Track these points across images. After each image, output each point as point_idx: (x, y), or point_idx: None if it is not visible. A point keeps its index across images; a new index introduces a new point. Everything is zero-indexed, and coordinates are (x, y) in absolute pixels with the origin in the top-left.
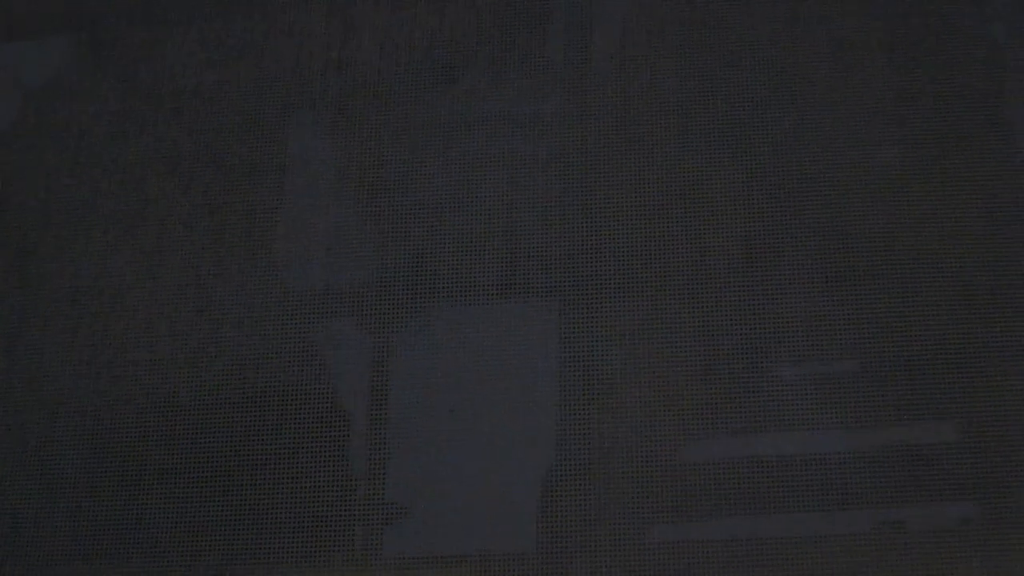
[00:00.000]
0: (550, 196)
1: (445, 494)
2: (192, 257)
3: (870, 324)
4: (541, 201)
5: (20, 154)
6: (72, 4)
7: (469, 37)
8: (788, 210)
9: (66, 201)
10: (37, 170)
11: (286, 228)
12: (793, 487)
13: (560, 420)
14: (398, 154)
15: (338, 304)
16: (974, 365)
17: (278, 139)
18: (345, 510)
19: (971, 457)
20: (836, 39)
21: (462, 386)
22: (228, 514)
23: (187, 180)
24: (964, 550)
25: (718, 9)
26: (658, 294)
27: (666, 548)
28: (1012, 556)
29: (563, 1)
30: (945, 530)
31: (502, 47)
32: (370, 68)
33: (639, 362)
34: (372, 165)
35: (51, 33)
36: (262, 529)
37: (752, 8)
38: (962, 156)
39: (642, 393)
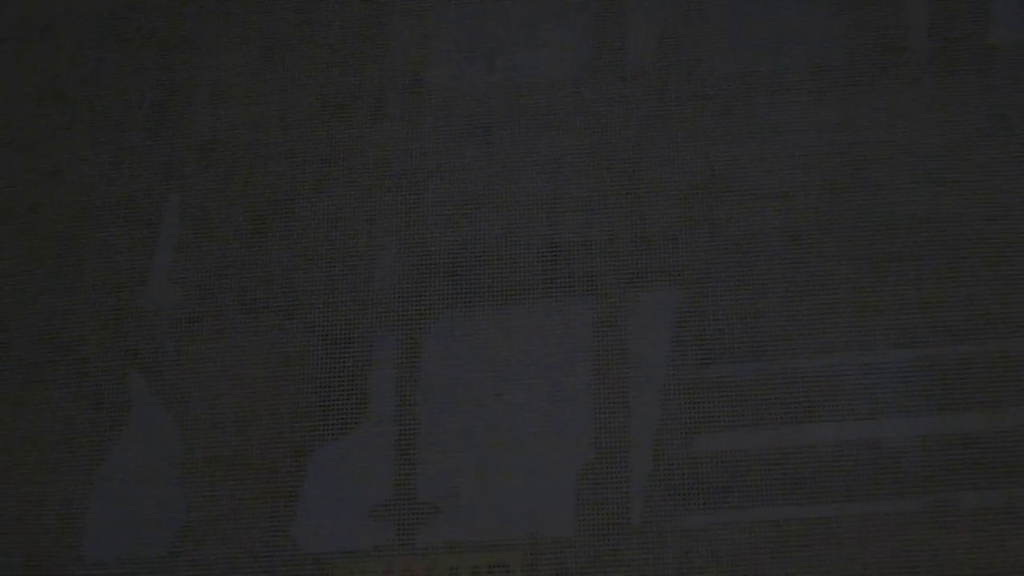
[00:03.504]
0: (592, 186)
1: (489, 483)
2: (233, 249)
3: (917, 308)
4: (583, 191)
5: (57, 150)
6: None
7: (506, 27)
8: (833, 195)
9: (104, 195)
10: (75, 165)
11: (326, 218)
12: (841, 473)
13: (600, 407)
14: (439, 144)
15: (380, 295)
16: None
17: (318, 130)
18: (393, 497)
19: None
20: (878, 25)
21: (504, 377)
22: (269, 501)
23: (226, 170)
24: (1016, 531)
25: None
26: (701, 282)
27: (711, 531)
28: None
29: None
30: (996, 511)
31: (537, 36)
32: (410, 57)
33: (684, 349)
34: (415, 155)
35: (86, 28)
36: (309, 514)
37: None
38: (1007, 136)
39: (686, 381)
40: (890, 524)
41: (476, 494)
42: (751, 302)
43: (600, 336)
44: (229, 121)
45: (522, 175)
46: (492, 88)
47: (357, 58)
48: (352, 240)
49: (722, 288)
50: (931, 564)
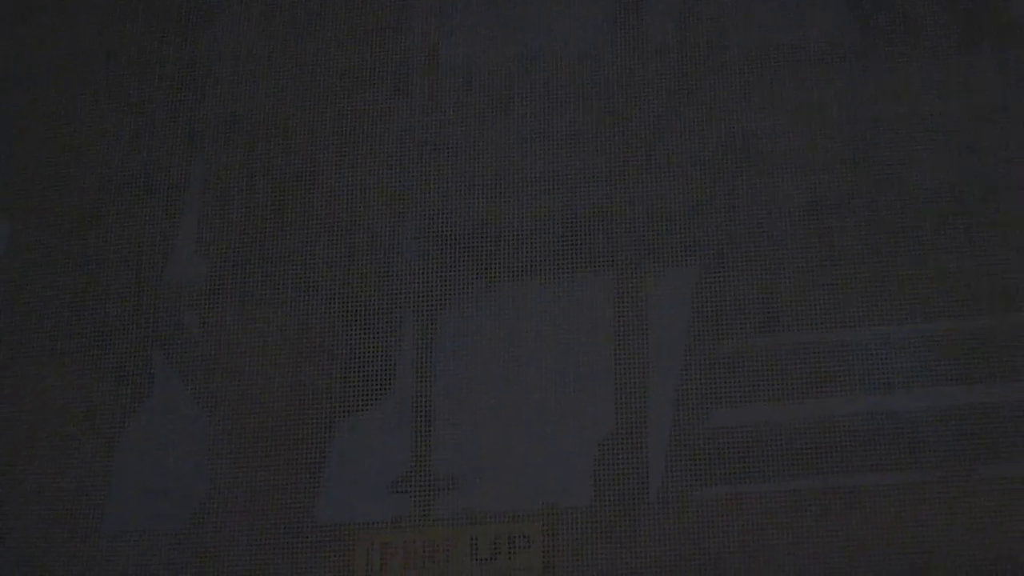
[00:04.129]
0: (610, 160)
1: (508, 455)
2: (255, 222)
3: (937, 280)
4: (601, 165)
5: (81, 121)
6: None
7: (525, 1)
8: (852, 165)
9: (127, 168)
10: (97, 138)
11: (347, 192)
12: (858, 444)
13: (619, 380)
14: (458, 118)
15: (401, 269)
16: None
17: (339, 104)
18: (413, 469)
19: None
20: None
21: (523, 350)
22: (293, 473)
23: (248, 144)
24: None
25: None
26: (720, 254)
27: (729, 502)
28: None
29: None
30: (1012, 481)
31: (556, 10)
32: (428, 32)
33: (702, 323)
34: (432, 127)
35: (108, 0)
36: (330, 486)
37: None
38: None
39: (704, 354)
40: (907, 495)
41: (496, 466)
42: (769, 276)
43: (618, 310)
44: (251, 95)
45: (541, 149)
46: (511, 63)
47: (377, 33)
48: (372, 214)
49: (740, 262)
50: (947, 534)
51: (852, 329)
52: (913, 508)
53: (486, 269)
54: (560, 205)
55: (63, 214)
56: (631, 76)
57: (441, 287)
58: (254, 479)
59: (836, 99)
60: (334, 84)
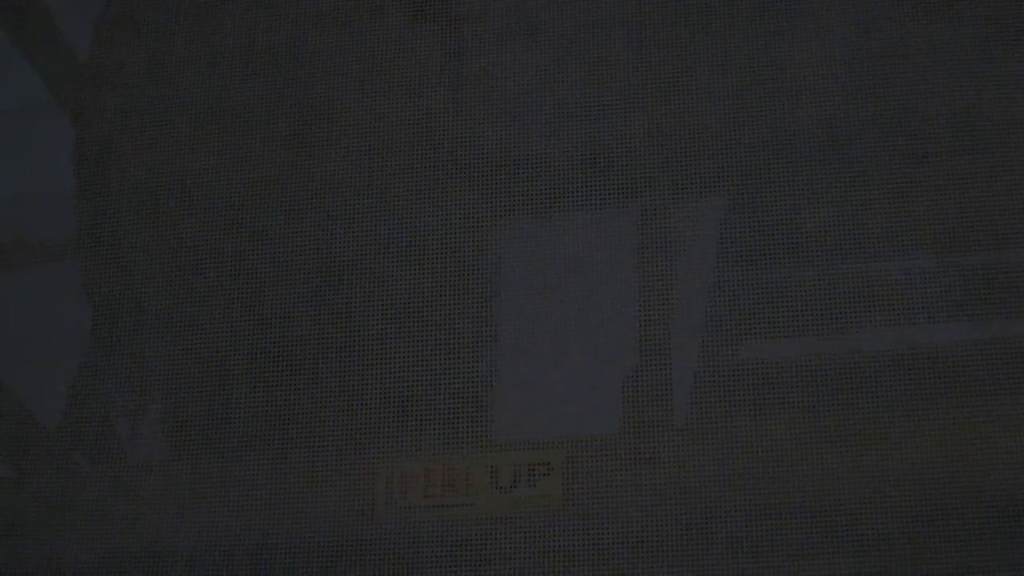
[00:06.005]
0: (630, 88)
1: (531, 384)
2: (273, 152)
3: (957, 204)
4: (621, 93)
5: (98, 56)
6: None
7: None
8: (871, 91)
9: (145, 99)
10: (116, 70)
11: (367, 121)
12: (882, 379)
13: (644, 311)
14: (480, 45)
15: (421, 196)
16: None
17: (359, 33)
18: (437, 397)
19: None
20: None
21: (548, 280)
22: (317, 403)
23: (268, 74)
24: None
25: None
26: (742, 183)
27: (752, 432)
28: None
29: None
30: None
31: None
32: None
33: (727, 250)
34: (456, 58)
35: None
36: (353, 417)
37: None
38: None
39: (730, 284)
40: (932, 426)
41: (518, 394)
42: (793, 207)
43: (643, 240)
44: (269, 24)
45: (564, 79)
46: None
47: None
48: (394, 143)
49: (764, 191)
50: (972, 463)
51: (875, 261)
52: (938, 439)
53: (510, 198)
54: (585, 135)
55: (84, 144)
56: (655, 5)
57: (464, 217)
58: (277, 403)
59: (858, 26)
60: (354, 12)
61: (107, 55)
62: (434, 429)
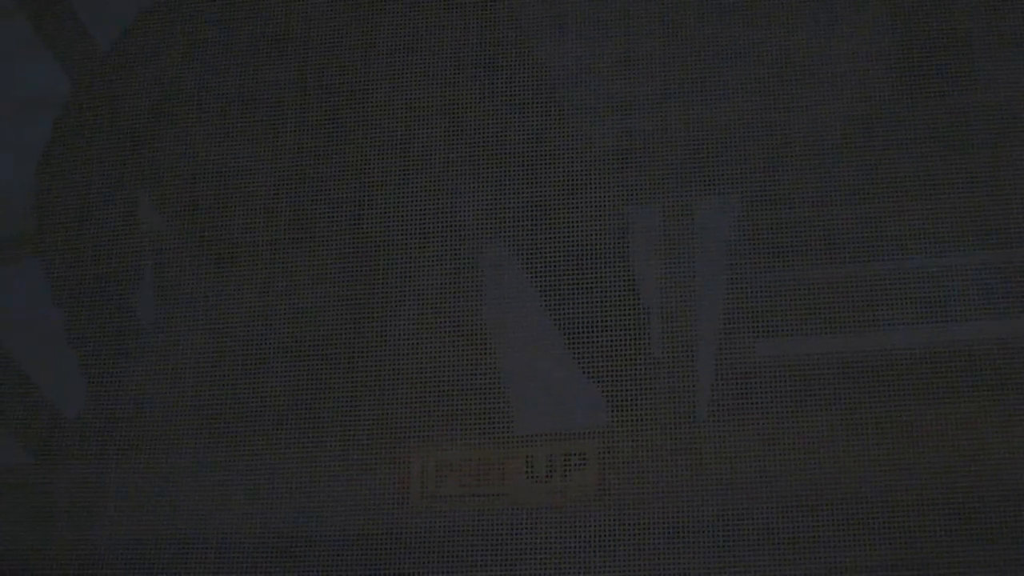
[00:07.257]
0: (664, 82)
1: (563, 375)
2: (308, 138)
3: (993, 204)
4: (656, 79)
5: (129, 43)
6: None
7: None
8: (908, 84)
9: (178, 87)
10: (149, 57)
11: (402, 108)
12: (916, 374)
13: (668, 303)
14: (512, 39)
15: (457, 186)
16: None
17: (391, 20)
18: (472, 387)
19: None
20: None
21: (578, 272)
22: (351, 390)
23: (300, 61)
24: None
25: None
26: (776, 169)
27: (781, 427)
28: None
29: None
30: None
31: None
32: None
33: (758, 239)
34: (488, 49)
35: None
36: (387, 407)
37: None
38: None
39: (758, 278)
40: (965, 425)
41: (551, 385)
42: (823, 200)
43: (668, 231)
44: (302, 12)
45: (594, 71)
46: None
47: None
48: (425, 133)
49: (794, 185)
50: (1008, 463)
51: (907, 258)
52: (971, 438)
53: (537, 191)
54: (613, 128)
55: (115, 134)
56: None
57: (491, 208)
58: (308, 390)
59: (893, 14)
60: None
61: (137, 43)
62: (468, 419)
